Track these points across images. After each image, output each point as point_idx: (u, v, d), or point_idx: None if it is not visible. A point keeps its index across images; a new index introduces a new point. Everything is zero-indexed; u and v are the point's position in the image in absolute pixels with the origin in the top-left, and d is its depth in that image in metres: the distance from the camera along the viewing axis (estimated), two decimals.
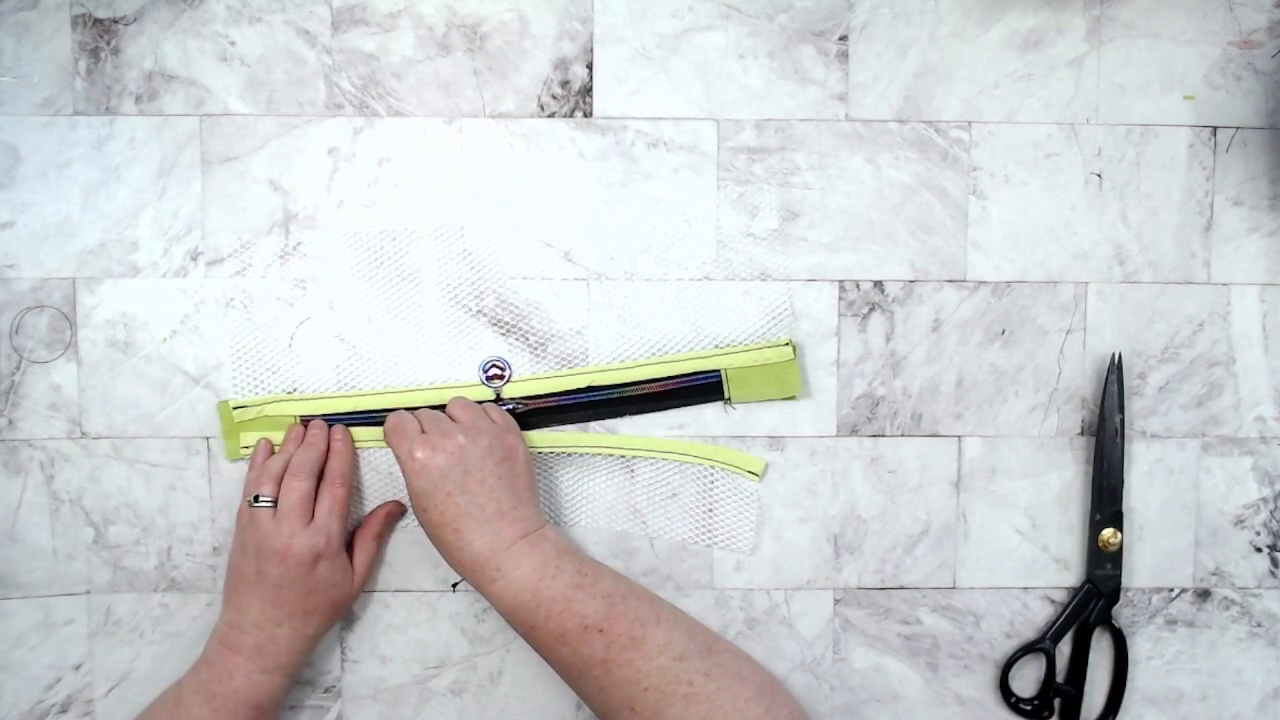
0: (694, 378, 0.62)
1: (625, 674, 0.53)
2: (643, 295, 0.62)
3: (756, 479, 0.62)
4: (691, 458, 0.62)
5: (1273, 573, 0.65)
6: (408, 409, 0.60)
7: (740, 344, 0.62)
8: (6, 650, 0.62)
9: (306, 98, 0.61)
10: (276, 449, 0.61)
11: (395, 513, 0.62)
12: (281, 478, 0.58)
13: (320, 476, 0.59)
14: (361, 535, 0.61)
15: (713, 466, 0.62)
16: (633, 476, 0.63)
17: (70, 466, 0.61)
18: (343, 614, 0.60)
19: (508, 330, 0.62)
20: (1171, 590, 0.65)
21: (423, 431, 0.57)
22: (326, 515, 0.58)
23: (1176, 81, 0.63)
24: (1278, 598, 0.65)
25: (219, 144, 0.61)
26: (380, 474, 0.63)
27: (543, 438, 0.62)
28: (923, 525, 0.64)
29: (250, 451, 0.61)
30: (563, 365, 0.62)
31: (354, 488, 0.61)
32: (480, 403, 0.61)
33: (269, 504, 0.57)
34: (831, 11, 0.62)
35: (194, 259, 0.61)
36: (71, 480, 0.61)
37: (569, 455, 0.63)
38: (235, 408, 0.61)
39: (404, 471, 0.56)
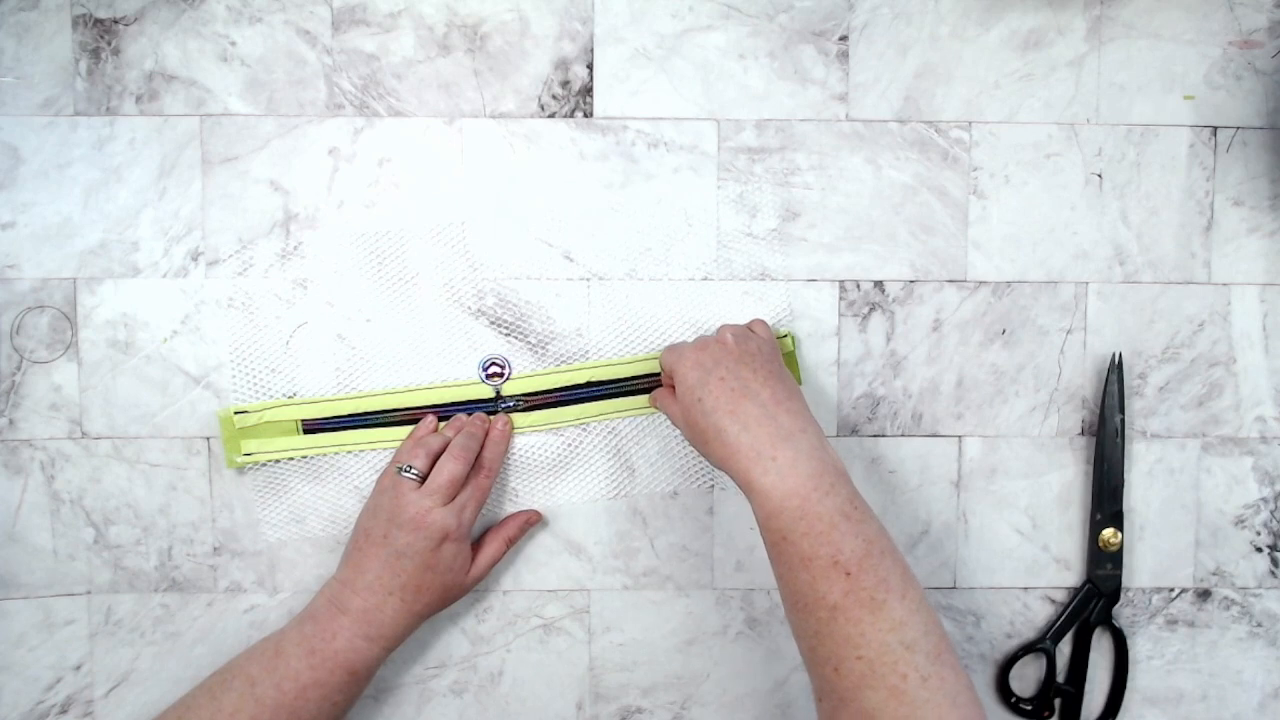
0: None
1: (848, 631, 0.47)
2: (643, 295, 0.62)
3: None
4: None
5: (1273, 573, 0.65)
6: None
7: None
8: (7, 650, 0.62)
9: (307, 98, 0.61)
10: (441, 428, 0.61)
11: (533, 521, 0.63)
12: (436, 457, 0.59)
13: (473, 465, 0.60)
14: (495, 533, 0.61)
15: None
16: (633, 476, 0.63)
17: (71, 467, 0.61)
18: (452, 601, 0.60)
19: (508, 330, 0.62)
20: (1172, 590, 0.65)
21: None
22: (466, 499, 0.58)
23: (1177, 81, 0.63)
24: (1278, 598, 0.65)
25: (219, 144, 0.61)
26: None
27: (542, 416, 0.62)
28: (923, 525, 0.64)
29: (250, 460, 0.61)
30: (563, 364, 0.62)
31: (499, 483, 0.62)
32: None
33: (414, 477, 0.58)
34: (832, 12, 0.62)
35: (194, 259, 0.61)
36: (72, 480, 0.61)
37: (567, 456, 0.63)
38: (237, 413, 0.61)
39: (676, 374, 0.55)
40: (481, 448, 0.61)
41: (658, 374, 0.62)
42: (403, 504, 0.57)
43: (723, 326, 0.58)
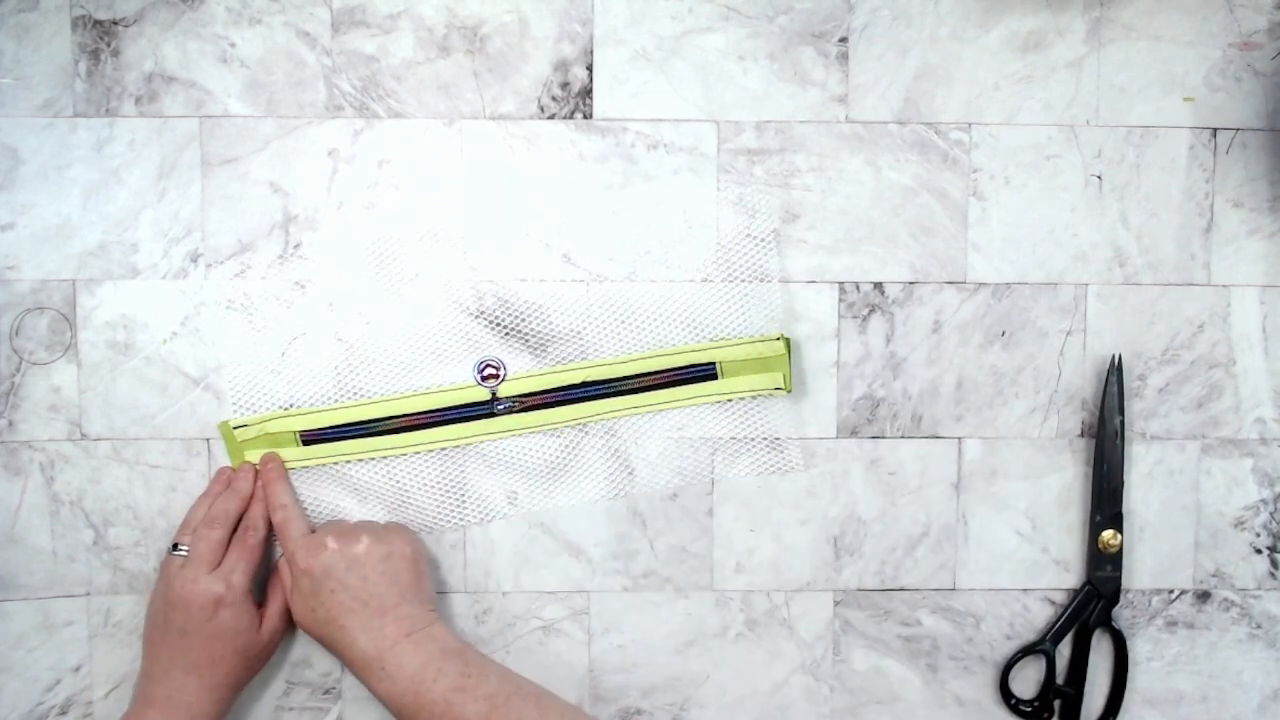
0: (688, 370, 0.62)
1: None
2: (643, 297, 0.62)
3: (784, 391, 0.62)
4: (713, 396, 0.62)
5: (1273, 574, 0.65)
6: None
7: (736, 338, 0.62)
8: (6, 652, 0.62)
9: (306, 99, 0.61)
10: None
11: None
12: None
13: (238, 525, 0.59)
14: (272, 584, 0.60)
15: (730, 400, 0.62)
16: (633, 477, 0.63)
17: (70, 468, 0.61)
18: (258, 665, 0.59)
19: (507, 332, 0.62)
20: (1171, 592, 0.65)
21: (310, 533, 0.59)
22: (233, 562, 0.58)
23: (1176, 83, 0.63)
24: (1277, 599, 0.65)
25: (219, 146, 0.61)
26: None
27: (542, 416, 0.62)
28: (923, 527, 0.64)
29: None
30: (560, 365, 0.63)
31: (271, 538, 0.61)
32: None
33: (184, 554, 0.58)
34: (831, 13, 0.62)
35: (194, 261, 0.61)
36: (71, 482, 0.61)
37: (566, 457, 0.63)
38: (236, 427, 0.61)
39: (287, 577, 0.59)
40: (248, 506, 0.60)
41: (653, 372, 0.62)
42: (171, 582, 0.57)
43: (357, 526, 0.59)
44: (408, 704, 0.55)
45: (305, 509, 0.62)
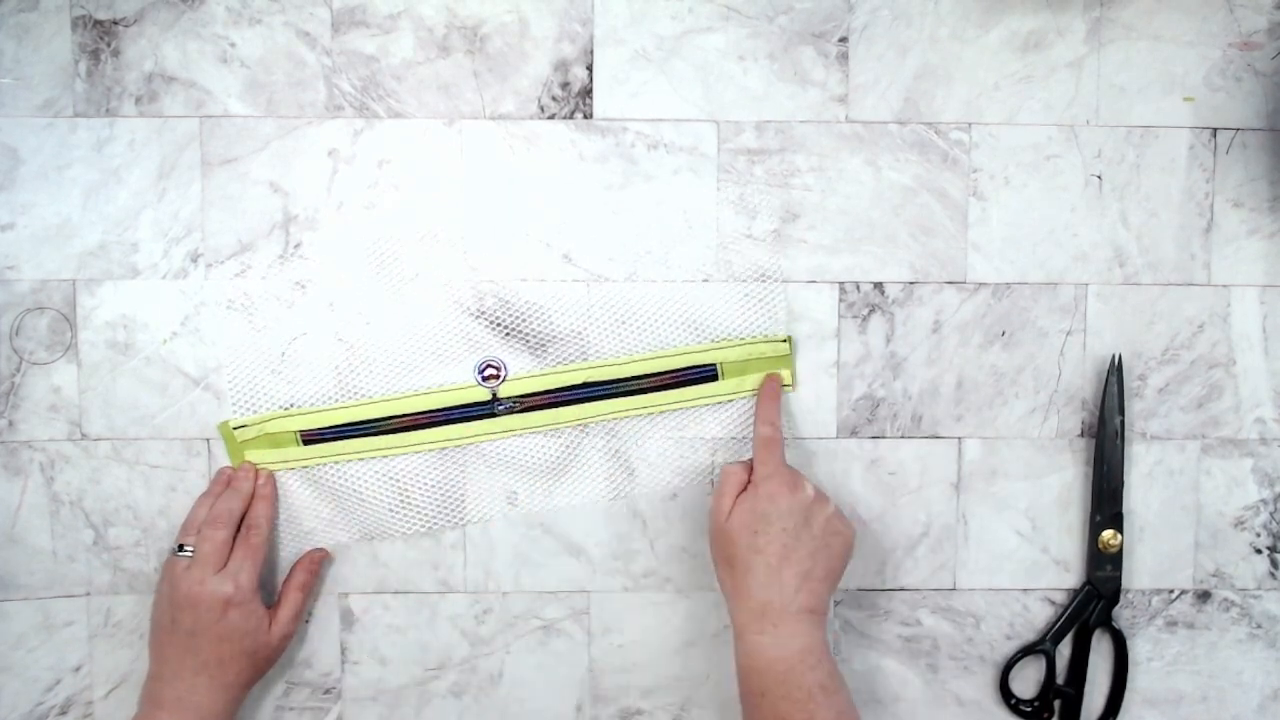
0: (690, 371, 0.62)
1: None
2: (643, 297, 0.62)
3: (790, 389, 0.62)
4: (713, 398, 0.62)
5: (1272, 574, 0.65)
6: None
7: (738, 338, 0.62)
8: (6, 652, 0.62)
9: (306, 99, 0.61)
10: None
11: (319, 559, 0.62)
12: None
13: (240, 525, 0.59)
14: (287, 584, 0.61)
15: (731, 400, 0.62)
16: (633, 477, 0.63)
17: (70, 468, 0.61)
18: (266, 665, 0.59)
19: (508, 332, 0.62)
20: (1171, 592, 0.65)
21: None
22: (239, 562, 0.57)
23: (1176, 83, 0.63)
24: (1277, 599, 0.65)
25: (219, 146, 0.61)
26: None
27: (546, 416, 0.62)
28: (923, 527, 0.64)
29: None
30: (561, 365, 0.63)
31: (273, 537, 0.61)
32: None
33: (189, 555, 0.58)
34: (831, 13, 0.62)
35: (194, 260, 0.61)
36: (72, 482, 0.61)
37: (566, 457, 0.63)
38: (236, 428, 0.61)
39: (756, 486, 0.57)
40: (250, 506, 0.60)
41: (654, 373, 0.62)
42: (177, 584, 0.57)
43: (808, 486, 0.58)
44: (776, 673, 0.54)
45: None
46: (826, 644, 0.56)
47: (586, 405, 0.62)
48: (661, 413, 0.63)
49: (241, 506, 0.60)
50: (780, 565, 0.55)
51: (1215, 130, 0.63)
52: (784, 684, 0.54)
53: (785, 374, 0.62)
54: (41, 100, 0.60)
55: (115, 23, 0.60)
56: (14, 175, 0.60)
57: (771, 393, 0.61)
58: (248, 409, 0.62)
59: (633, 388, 0.62)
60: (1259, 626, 0.65)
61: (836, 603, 0.64)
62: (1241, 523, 0.65)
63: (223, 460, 0.62)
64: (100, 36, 0.60)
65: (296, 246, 0.61)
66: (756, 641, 0.55)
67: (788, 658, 0.54)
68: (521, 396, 0.62)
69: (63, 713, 0.62)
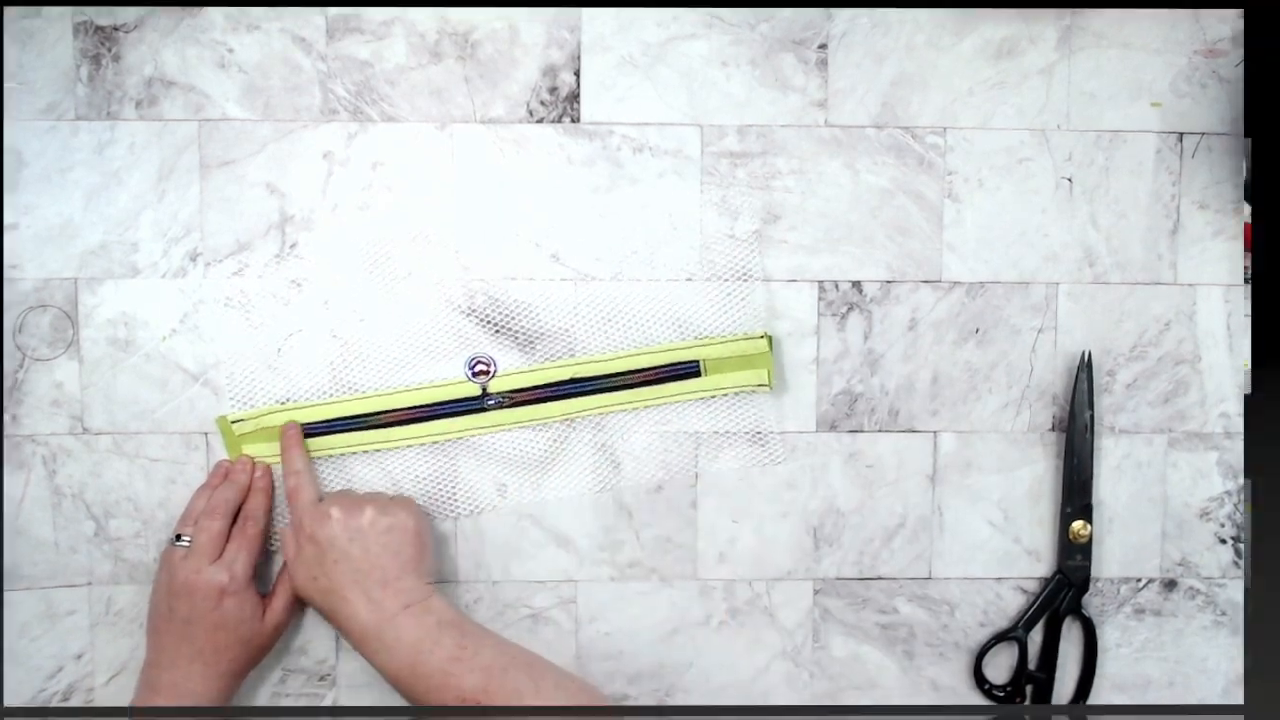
0: (674, 367, 0.64)
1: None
2: (629, 296, 0.64)
3: (767, 387, 0.63)
4: (696, 393, 0.64)
5: (1236, 563, 0.67)
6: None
7: (720, 335, 0.64)
8: (10, 640, 0.63)
9: (302, 103, 0.62)
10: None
11: None
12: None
13: (238, 516, 0.61)
14: (281, 576, 0.62)
15: (714, 396, 0.64)
16: (619, 470, 0.65)
17: (72, 461, 0.63)
18: (261, 653, 0.60)
19: (498, 330, 0.64)
20: (1139, 580, 0.67)
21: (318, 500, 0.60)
22: (235, 553, 0.59)
23: (1144, 89, 0.65)
24: (1241, 588, 0.67)
25: (217, 148, 0.62)
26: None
27: (534, 411, 0.64)
28: (899, 518, 0.66)
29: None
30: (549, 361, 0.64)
31: (269, 528, 0.62)
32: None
33: (186, 545, 0.59)
34: (811, 21, 0.63)
35: (193, 260, 0.63)
36: (73, 475, 0.63)
37: (554, 451, 0.64)
38: (233, 422, 0.62)
39: (292, 544, 0.59)
40: (247, 498, 0.61)
41: (640, 369, 0.64)
42: (174, 573, 0.58)
43: (363, 498, 0.60)
44: (405, 676, 0.56)
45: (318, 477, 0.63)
46: (440, 620, 0.57)
47: (574, 400, 0.64)
48: (646, 407, 0.64)
49: (238, 498, 0.61)
50: (353, 591, 0.57)
51: (1181, 135, 0.65)
52: (420, 677, 0.55)
53: (764, 372, 0.63)
54: (44, 104, 0.61)
55: (116, 29, 0.61)
56: (17, 177, 0.61)
57: (292, 440, 0.62)
58: (245, 404, 0.63)
59: (618, 383, 0.64)
60: (1223, 614, 0.67)
61: (816, 592, 0.66)
62: (1207, 514, 0.67)
63: (220, 454, 0.63)
64: (101, 42, 0.61)
65: (292, 246, 0.63)
66: (377, 661, 0.57)
67: (408, 657, 0.56)
68: (511, 392, 0.64)
69: (65, 699, 0.63)
